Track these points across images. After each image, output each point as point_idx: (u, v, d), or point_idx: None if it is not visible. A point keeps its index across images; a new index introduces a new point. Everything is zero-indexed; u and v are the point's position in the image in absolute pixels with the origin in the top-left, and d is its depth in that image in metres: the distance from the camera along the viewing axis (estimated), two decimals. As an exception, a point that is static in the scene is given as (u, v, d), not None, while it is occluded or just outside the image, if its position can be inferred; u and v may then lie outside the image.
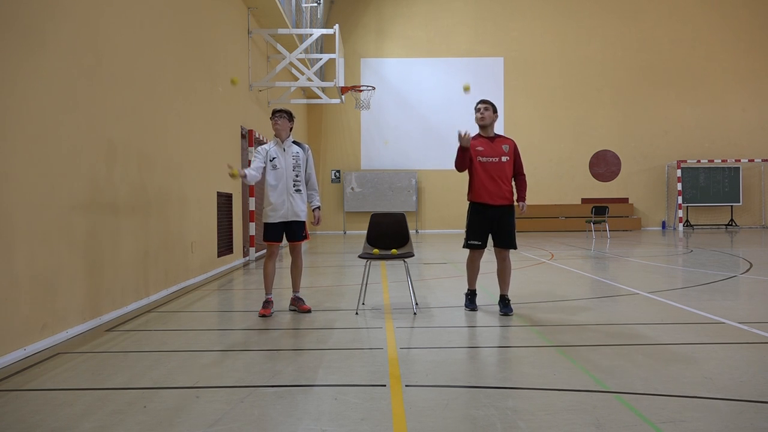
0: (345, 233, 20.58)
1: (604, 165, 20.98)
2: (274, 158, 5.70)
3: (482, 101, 5.63)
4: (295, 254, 5.92)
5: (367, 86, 15.73)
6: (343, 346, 4.50)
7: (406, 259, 5.79)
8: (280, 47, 12.61)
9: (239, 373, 3.74)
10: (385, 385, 3.42)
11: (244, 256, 11.02)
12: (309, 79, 13.51)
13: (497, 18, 20.86)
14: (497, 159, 5.47)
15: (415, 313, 5.55)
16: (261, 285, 7.25)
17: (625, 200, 20.92)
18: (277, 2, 11.68)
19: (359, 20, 20.85)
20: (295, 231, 5.77)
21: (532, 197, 20.64)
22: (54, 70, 4.60)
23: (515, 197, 5.65)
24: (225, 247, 9.80)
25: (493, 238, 5.59)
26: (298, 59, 13.10)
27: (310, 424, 2.89)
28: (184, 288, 7.47)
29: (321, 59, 13.90)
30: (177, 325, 5.39)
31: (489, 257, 5.81)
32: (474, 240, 5.55)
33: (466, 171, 5.60)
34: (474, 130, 5.70)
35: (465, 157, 5.52)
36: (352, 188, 20.55)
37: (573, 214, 20.34)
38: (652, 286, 7.14)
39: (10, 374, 3.75)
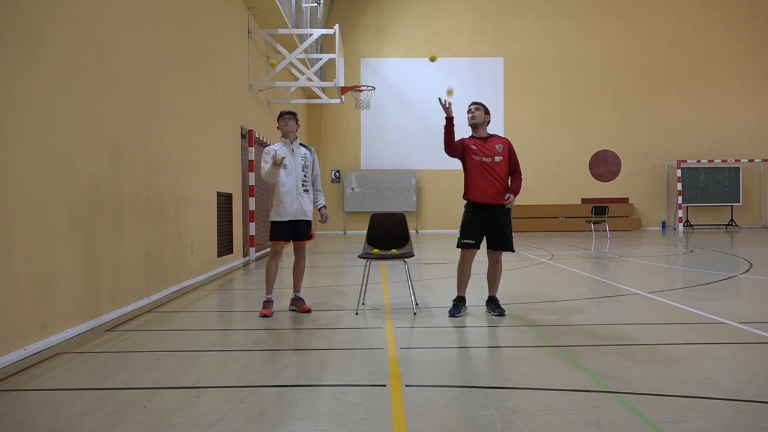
0: (345, 233, 20.59)
1: (604, 165, 20.98)
2: (284, 158, 5.71)
3: (474, 102, 5.66)
4: (299, 254, 5.95)
5: (367, 86, 15.73)
6: (343, 346, 4.50)
7: (406, 259, 5.79)
8: (280, 47, 12.61)
9: (239, 373, 3.74)
10: (385, 385, 3.42)
11: (244, 256, 11.01)
12: (309, 79, 13.51)
13: (497, 18, 20.86)
14: (491, 159, 5.43)
15: (415, 313, 5.55)
16: (261, 285, 7.25)
17: (625, 200, 20.92)
18: (277, 2, 11.68)
19: (359, 20, 20.85)
20: (303, 230, 5.82)
21: (533, 197, 20.68)
22: (53, 70, 4.60)
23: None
24: (225, 247, 9.79)
25: (487, 240, 5.54)
26: (298, 59, 13.10)
27: (310, 424, 2.89)
28: (184, 288, 7.47)
29: (321, 59, 13.89)
30: (177, 325, 5.39)
31: (482, 258, 5.79)
32: (467, 239, 5.48)
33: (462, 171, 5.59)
34: (465, 132, 5.70)
35: (452, 133, 5.47)
36: (352, 188, 20.55)
37: (573, 214, 20.34)
38: (652, 286, 7.14)
39: (10, 374, 3.75)
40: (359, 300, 5.84)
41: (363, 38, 20.85)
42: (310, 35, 13.58)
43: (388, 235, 6.11)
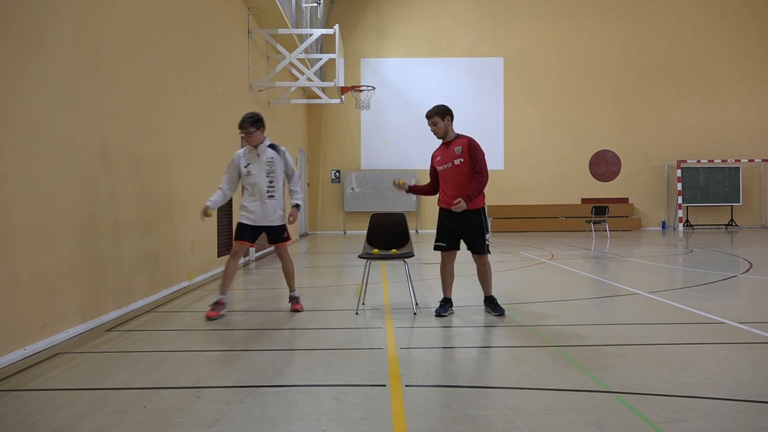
0: (345, 233, 20.59)
1: (604, 165, 20.98)
2: (248, 164, 5.69)
3: (427, 116, 5.48)
4: (281, 255, 5.92)
5: (367, 86, 15.73)
6: (343, 346, 4.50)
7: (406, 259, 5.79)
8: (280, 47, 12.61)
9: (239, 373, 3.74)
10: (385, 385, 3.42)
11: (244, 257, 11.01)
12: (309, 79, 13.51)
13: (497, 18, 20.85)
14: (450, 164, 5.43)
15: (415, 313, 5.56)
16: (262, 285, 7.26)
17: (625, 200, 20.92)
18: (277, 2, 11.67)
19: (359, 20, 20.85)
20: (273, 234, 5.79)
21: (533, 197, 20.68)
22: (54, 70, 4.60)
23: (484, 199, 5.58)
24: (225, 247, 9.79)
25: (465, 243, 5.58)
26: (298, 59, 13.10)
27: (310, 424, 2.89)
28: (184, 288, 7.47)
29: (321, 59, 13.89)
30: (177, 325, 5.39)
31: (491, 257, 5.78)
32: (439, 241, 5.57)
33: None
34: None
35: (420, 192, 5.84)
36: (352, 188, 20.55)
37: (573, 214, 20.33)
38: (652, 286, 7.14)
39: (10, 374, 3.75)
40: (359, 300, 5.84)
41: (363, 38, 20.84)
42: (310, 35, 13.57)
43: (388, 235, 6.10)
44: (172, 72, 7.32)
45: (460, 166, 5.39)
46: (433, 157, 5.66)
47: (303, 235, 19.09)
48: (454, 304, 5.79)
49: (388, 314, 5.57)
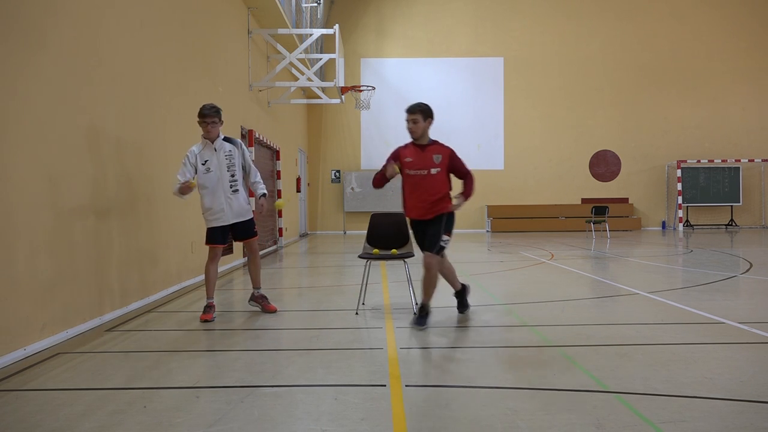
0: (345, 233, 20.58)
1: (604, 165, 20.98)
2: (206, 161, 5.39)
3: (409, 110, 5.19)
4: (251, 251, 5.82)
5: (367, 86, 15.74)
6: (343, 346, 4.50)
7: (406, 259, 5.79)
8: (280, 47, 12.61)
9: (239, 373, 3.74)
10: (385, 385, 3.42)
11: (244, 256, 11.00)
12: (309, 79, 13.51)
13: (497, 18, 20.84)
14: (425, 171, 5.06)
15: (415, 313, 5.55)
16: (261, 284, 7.23)
17: (625, 200, 20.91)
18: (277, 2, 11.67)
19: (359, 20, 20.84)
20: (242, 230, 5.62)
21: (533, 197, 20.68)
22: (55, 70, 4.60)
23: (452, 203, 5.20)
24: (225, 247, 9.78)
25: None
26: (298, 59, 13.10)
27: (310, 424, 2.89)
28: (184, 288, 7.46)
29: (321, 59, 13.90)
30: (177, 325, 5.39)
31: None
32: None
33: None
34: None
35: (382, 180, 5.27)
36: (352, 188, 20.55)
37: (573, 214, 20.32)
38: (652, 286, 7.14)
39: (10, 374, 3.75)
40: (359, 300, 5.84)
41: (363, 38, 20.84)
42: (310, 35, 13.57)
43: (388, 235, 6.10)
44: (172, 72, 7.32)
45: (436, 176, 5.06)
46: (401, 155, 5.22)
47: (303, 235, 19.08)
48: (454, 304, 5.77)
49: (388, 314, 5.57)
